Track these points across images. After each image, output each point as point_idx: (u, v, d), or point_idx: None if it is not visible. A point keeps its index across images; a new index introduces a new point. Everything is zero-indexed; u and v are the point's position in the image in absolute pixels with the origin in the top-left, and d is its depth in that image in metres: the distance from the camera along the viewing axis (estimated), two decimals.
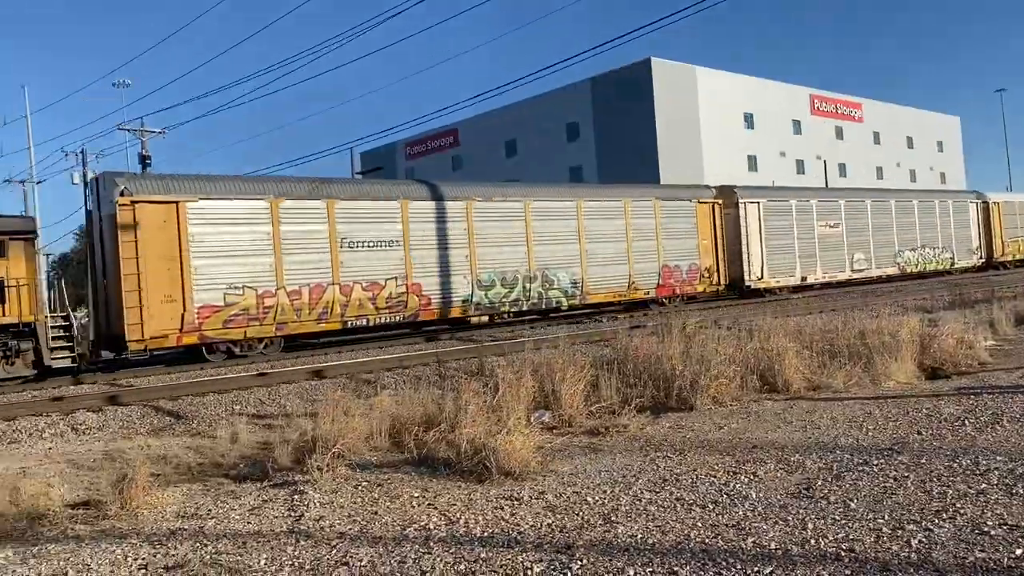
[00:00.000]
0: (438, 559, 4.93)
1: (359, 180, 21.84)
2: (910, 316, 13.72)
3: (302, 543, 5.38)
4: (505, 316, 22.73)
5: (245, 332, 17.59)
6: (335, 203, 19.13)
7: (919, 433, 7.55)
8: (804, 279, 29.82)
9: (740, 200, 27.96)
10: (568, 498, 6.12)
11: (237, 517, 6.16)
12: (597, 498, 6.07)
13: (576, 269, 23.50)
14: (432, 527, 5.59)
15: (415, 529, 5.57)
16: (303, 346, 20.32)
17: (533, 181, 33.30)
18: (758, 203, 28.51)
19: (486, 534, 5.38)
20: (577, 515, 5.68)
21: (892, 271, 34.06)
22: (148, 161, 31.08)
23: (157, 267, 16.64)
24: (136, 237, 16.45)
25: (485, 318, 21.99)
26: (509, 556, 4.92)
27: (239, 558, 5.14)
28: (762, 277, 28.28)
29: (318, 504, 6.31)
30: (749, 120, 59.92)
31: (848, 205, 32.30)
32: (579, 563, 4.73)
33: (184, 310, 16.89)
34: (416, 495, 6.44)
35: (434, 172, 58.14)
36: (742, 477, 6.44)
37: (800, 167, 63.29)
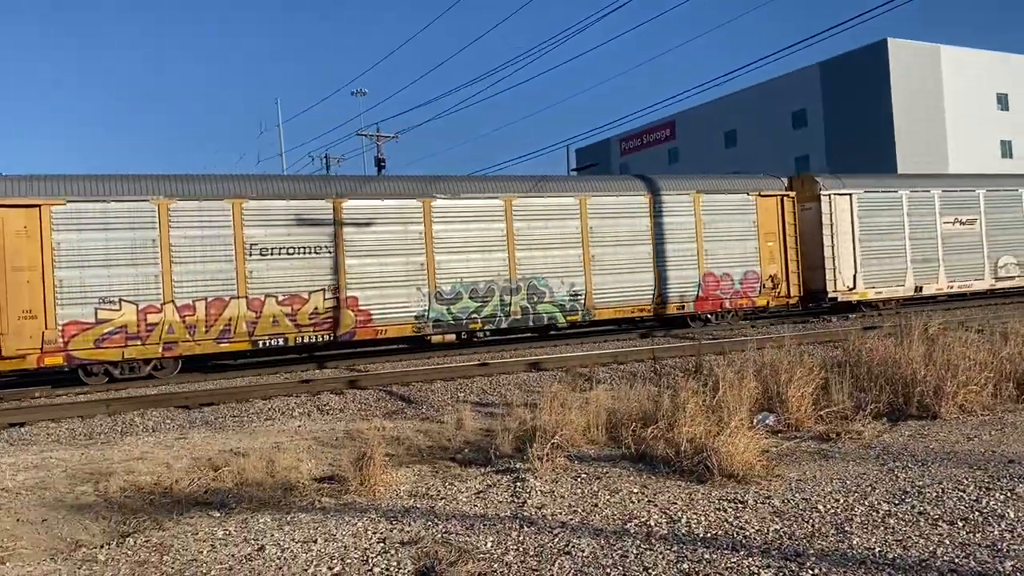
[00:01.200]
0: (660, 556, 4.89)
1: (277, 176, 17.61)
2: None
3: (525, 529, 5.54)
4: (481, 335, 19.21)
5: (123, 352, 15.29)
6: (242, 203, 16.37)
7: None
8: (919, 289, 23.68)
9: (823, 192, 22.47)
10: (796, 504, 5.84)
11: (464, 500, 6.45)
12: (829, 506, 5.75)
13: (577, 279, 19.44)
14: (653, 524, 5.55)
15: (635, 524, 5.55)
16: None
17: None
18: (850, 196, 22.86)
19: (709, 535, 5.26)
20: (807, 523, 5.41)
21: None
22: (383, 164, 33.33)
23: (15, 279, 14.76)
24: None
25: (451, 337, 18.57)
26: (734, 559, 4.78)
27: (467, 539, 5.38)
28: (854, 287, 22.64)
29: (539, 492, 6.46)
30: (1003, 101, 54.02)
31: (990, 196, 25.10)
32: (810, 572, 4.50)
33: (46, 327, 14.86)
34: (635, 491, 6.42)
35: (649, 166, 57.62)
36: (997, 494, 5.83)
37: None
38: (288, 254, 16.76)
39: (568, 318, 19.39)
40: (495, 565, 4.87)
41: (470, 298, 18.35)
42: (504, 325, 18.76)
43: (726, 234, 21.27)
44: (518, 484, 6.77)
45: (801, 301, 22.59)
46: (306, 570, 4.97)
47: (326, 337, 17.01)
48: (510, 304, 18.71)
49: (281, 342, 16.60)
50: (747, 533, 5.26)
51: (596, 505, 6.07)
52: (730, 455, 6.68)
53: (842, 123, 51.53)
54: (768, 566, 4.64)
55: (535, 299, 19.00)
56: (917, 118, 49.37)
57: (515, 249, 18.85)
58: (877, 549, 4.83)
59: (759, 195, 21.74)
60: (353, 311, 17.18)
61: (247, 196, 16.51)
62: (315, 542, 5.51)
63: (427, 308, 17.89)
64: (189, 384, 15.10)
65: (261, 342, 16.40)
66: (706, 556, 4.86)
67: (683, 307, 20.61)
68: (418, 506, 6.32)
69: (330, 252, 17.11)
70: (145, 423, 11.51)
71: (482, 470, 7.48)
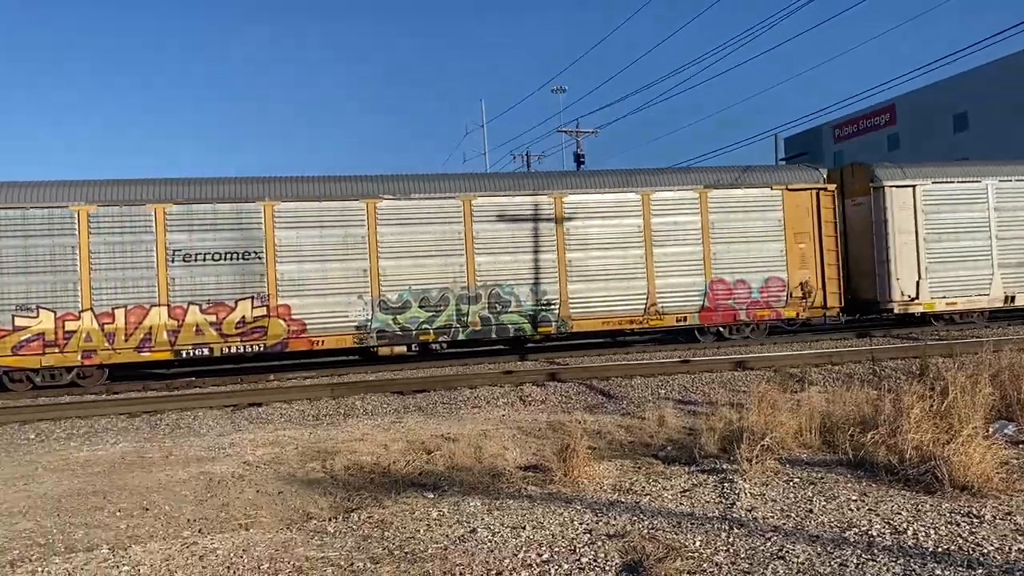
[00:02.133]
0: (884, 568, 4.58)
1: (205, 179, 16.61)
2: None
3: (735, 531, 5.38)
4: (436, 347, 17.51)
5: (40, 360, 15.23)
6: (166, 208, 15.87)
7: None
8: (1011, 299, 19.72)
9: (876, 184, 19.11)
10: None
11: (669, 497, 6.37)
12: None
13: (550, 286, 17.52)
14: (875, 534, 5.21)
15: (855, 533, 5.24)
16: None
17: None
18: (912, 187, 19.28)
19: (939, 550, 4.86)
20: None
21: None
22: (582, 159, 33.59)
23: None
24: None
25: (400, 349, 17.02)
26: None
27: (674, 536, 5.32)
28: (916, 297, 19.18)
29: (749, 495, 6.26)
30: None
31: None
32: None
33: None
34: (854, 498, 6.06)
35: (865, 153, 53.97)
36: None
37: None
38: (214, 260, 16.12)
39: (540, 330, 17.55)
40: (704, 564, 4.78)
41: (420, 307, 16.96)
42: (461, 337, 17.22)
43: (741, 235, 18.57)
44: (726, 485, 6.59)
45: (844, 312, 19.55)
46: (516, 555, 5.11)
47: (255, 348, 16.21)
48: (468, 314, 17.10)
49: (206, 352, 16.04)
50: (985, 551, 4.81)
51: (811, 511, 5.79)
52: (963, 465, 6.15)
53: None
54: None
55: (498, 308, 17.27)
56: None
57: (475, 253, 17.19)
58: None
59: (786, 189, 18.81)
60: (285, 320, 16.30)
61: (171, 201, 16.03)
62: (524, 528, 5.66)
63: (370, 318, 16.68)
64: (404, 372, 16.00)
65: (184, 352, 15.92)
66: (937, 571, 4.50)
67: (684, 319, 18.21)
68: (622, 500, 6.32)
69: (260, 258, 16.26)
70: (364, 407, 12.34)
71: (686, 468, 7.36)
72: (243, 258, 16.22)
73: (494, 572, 4.83)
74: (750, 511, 5.84)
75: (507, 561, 5.01)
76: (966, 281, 19.53)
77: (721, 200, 18.50)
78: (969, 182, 19.77)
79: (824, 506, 5.89)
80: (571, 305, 17.62)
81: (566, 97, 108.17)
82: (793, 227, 18.77)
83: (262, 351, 16.30)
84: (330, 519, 6.31)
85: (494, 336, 17.47)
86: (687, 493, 6.45)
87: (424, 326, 16.98)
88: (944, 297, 19.41)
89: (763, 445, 7.25)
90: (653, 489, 6.64)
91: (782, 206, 18.77)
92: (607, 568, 4.82)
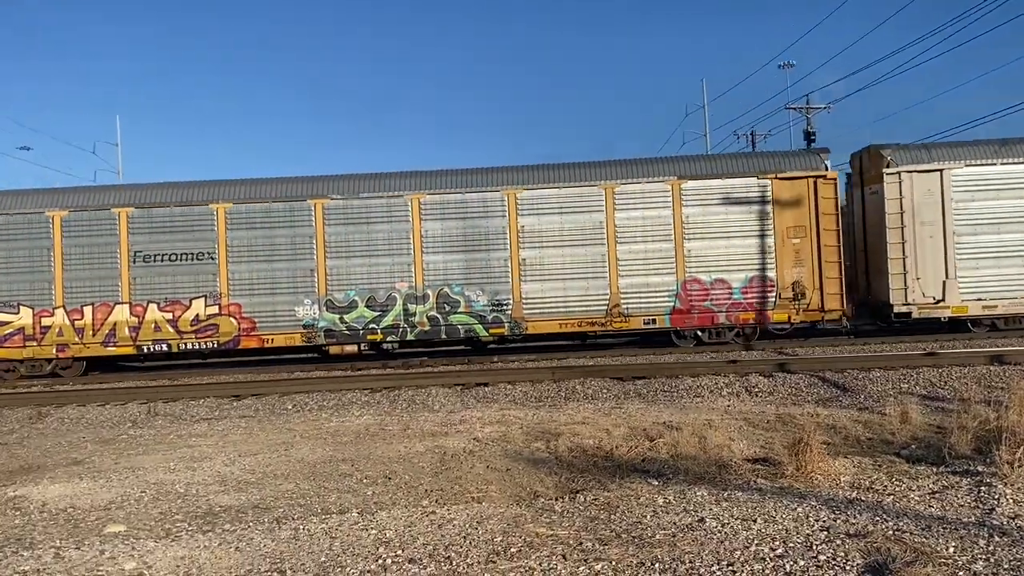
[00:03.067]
0: None
1: (162, 184, 17.44)
2: None
3: (995, 539, 4.90)
4: (389, 346, 17.17)
5: (22, 352, 16.66)
6: (127, 212, 16.79)
7: None
8: None
9: (890, 169, 16.68)
10: None
11: (916, 498, 5.92)
12: None
13: (501, 285, 16.84)
14: None
15: None
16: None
17: None
18: (939, 172, 16.62)
19: None
20: None
21: None
22: (813, 137, 31.73)
23: None
24: None
25: (351, 348, 16.84)
26: None
27: (923, 540, 4.93)
28: (942, 299, 16.60)
29: (1011, 501, 5.67)
30: None
31: None
32: None
33: None
34: None
35: None
36: None
37: None
38: (171, 260, 16.87)
39: (492, 331, 16.96)
40: (960, 573, 4.38)
41: (367, 307, 16.89)
42: (410, 337, 16.95)
43: (721, 230, 16.97)
44: (982, 489, 6.01)
45: (848, 315, 17.18)
46: (747, 547, 4.96)
47: (209, 344, 16.84)
48: (414, 314, 16.85)
49: (165, 347, 16.85)
50: None
51: None
52: None
53: None
54: None
55: (447, 308, 16.90)
56: None
57: (423, 252, 16.93)
58: None
59: (775, 178, 16.90)
60: (236, 319, 16.84)
61: (132, 205, 16.92)
62: (755, 521, 5.48)
63: (317, 317, 16.86)
64: (624, 358, 16.05)
65: (145, 347, 16.82)
66: None
67: (653, 321, 16.95)
68: (862, 499, 5.95)
69: (212, 257, 16.88)
70: (584, 391, 12.53)
71: (934, 469, 6.79)
72: (197, 259, 17.00)
73: (725, 563, 4.72)
74: (1013, 519, 5.29)
75: (738, 553, 4.88)
76: (1010, 281, 16.89)
77: (697, 192, 17.08)
78: (1018, 163, 16.90)
79: None
80: (525, 306, 17.01)
81: (795, 73, 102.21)
82: (785, 220, 17.01)
83: (216, 348, 17.05)
84: (557, 498, 6.46)
85: (444, 337, 17.17)
86: (936, 495, 5.95)
87: (371, 326, 16.98)
88: (979, 299, 16.87)
89: None
90: (897, 489, 6.19)
91: (771, 197, 17.05)
92: (848, 568, 4.55)
